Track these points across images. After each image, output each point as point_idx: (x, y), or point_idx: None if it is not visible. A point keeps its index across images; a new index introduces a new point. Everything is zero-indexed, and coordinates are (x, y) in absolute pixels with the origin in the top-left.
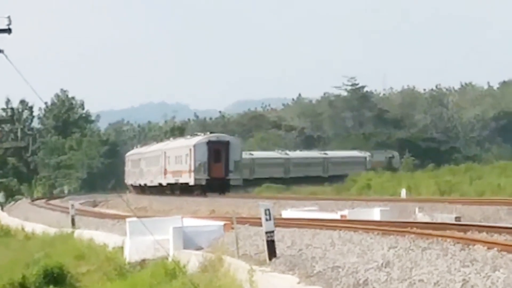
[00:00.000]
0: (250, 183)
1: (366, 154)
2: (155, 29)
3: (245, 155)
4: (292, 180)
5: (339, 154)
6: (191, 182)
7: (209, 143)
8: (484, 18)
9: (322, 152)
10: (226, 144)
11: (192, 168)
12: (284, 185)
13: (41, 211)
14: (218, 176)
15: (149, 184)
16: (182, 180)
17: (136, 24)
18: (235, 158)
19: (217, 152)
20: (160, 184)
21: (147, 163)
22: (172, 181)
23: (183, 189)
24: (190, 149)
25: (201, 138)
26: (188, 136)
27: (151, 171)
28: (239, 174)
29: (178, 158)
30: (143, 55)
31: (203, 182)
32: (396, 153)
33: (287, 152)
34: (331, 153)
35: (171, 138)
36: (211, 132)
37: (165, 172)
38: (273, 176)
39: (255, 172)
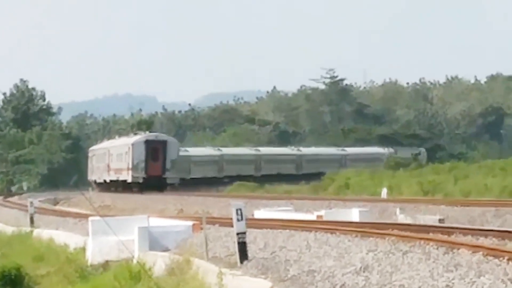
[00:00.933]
0: (220, 182)
1: (389, 150)
2: (118, 17)
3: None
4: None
5: (357, 151)
6: (129, 180)
7: (147, 142)
8: (471, 9)
9: (340, 148)
10: (164, 143)
11: (130, 166)
12: (258, 184)
13: None
14: (155, 174)
15: (98, 180)
16: (122, 177)
17: (99, 12)
18: (172, 157)
19: (154, 151)
20: (105, 181)
21: (97, 159)
22: (114, 178)
23: (124, 187)
24: (129, 148)
25: (140, 137)
26: (131, 135)
27: (99, 168)
28: (176, 172)
29: (119, 156)
30: (107, 44)
31: (141, 180)
32: (423, 150)
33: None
34: (349, 150)
35: (116, 136)
36: (150, 132)
37: (109, 169)
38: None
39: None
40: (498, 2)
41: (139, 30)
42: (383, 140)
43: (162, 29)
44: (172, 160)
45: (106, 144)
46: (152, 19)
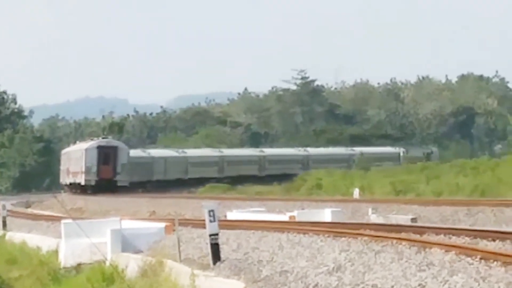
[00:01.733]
0: (186, 184)
1: (400, 149)
2: (88, 20)
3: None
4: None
5: (372, 150)
6: (83, 182)
7: (99, 147)
8: (441, 9)
9: (350, 148)
10: (115, 148)
11: (83, 170)
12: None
13: None
14: (106, 177)
15: (63, 183)
16: (77, 180)
17: (69, 14)
18: (122, 161)
19: (106, 155)
20: (66, 184)
21: (63, 163)
22: (72, 181)
23: (81, 189)
24: (83, 152)
25: (93, 142)
26: (89, 140)
27: (63, 171)
28: (125, 175)
29: (76, 160)
30: (78, 47)
31: (93, 183)
32: (435, 149)
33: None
34: (359, 149)
35: (77, 141)
36: (103, 138)
37: (68, 172)
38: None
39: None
40: (468, 3)
41: (110, 32)
42: (355, 141)
43: (133, 31)
44: (123, 164)
45: (68, 148)
46: (122, 22)
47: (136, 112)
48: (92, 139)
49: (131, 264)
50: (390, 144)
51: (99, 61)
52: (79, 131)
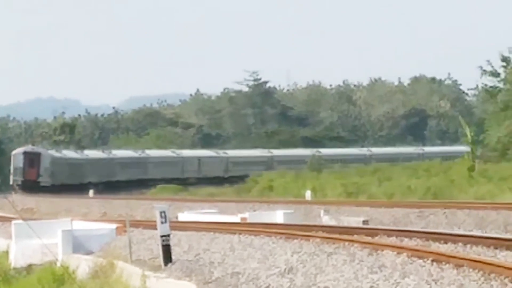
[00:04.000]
0: (143, 184)
1: (420, 149)
2: (39, 19)
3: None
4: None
5: (384, 151)
6: (11, 182)
7: (25, 153)
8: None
9: (366, 148)
10: (38, 154)
11: (12, 171)
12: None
13: None
14: (31, 178)
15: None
16: (11, 180)
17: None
18: (45, 165)
19: (31, 160)
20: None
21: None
22: (12, 182)
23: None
24: (12, 157)
25: (20, 149)
26: (26, 146)
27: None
28: (48, 177)
29: (13, 162)
30: (28, 47)
31: (19, 182)
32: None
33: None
34: (374, 150)
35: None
36: (33, 145)
37: (9, 173)
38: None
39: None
40: (422, 5)
41: (61, 32)
42: (307, 142)
43: (83, 31)
44: (45, 167)
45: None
46: (73, 21)
47: (88, 113)
48: (24, 146)
49: (82, 265)
50: (342, 145)
51: (50, 61)
52: (29, 132)
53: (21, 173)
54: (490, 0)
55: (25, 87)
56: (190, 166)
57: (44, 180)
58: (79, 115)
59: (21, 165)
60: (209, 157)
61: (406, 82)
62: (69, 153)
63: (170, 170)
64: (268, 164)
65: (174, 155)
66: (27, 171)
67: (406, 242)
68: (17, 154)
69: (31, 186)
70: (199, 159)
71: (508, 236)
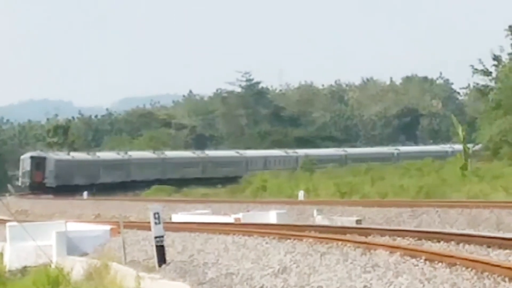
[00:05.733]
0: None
1: (448, 147)
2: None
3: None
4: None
5: (409, 149)
6: (20, 183)
7: (32, 157)
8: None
9: (394, 148)
10: (44, 158)
11: (20, 174)
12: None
13: None
14: (37, 180)
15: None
16: (19, 182)
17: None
18: (50, 168)
19: (37, 164)
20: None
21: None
22: (20, 183)
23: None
24: (21, 161)
25: (28, 154)
26: (33, 151)
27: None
28: (52, 179)
29: (21, 166)
30: (21, 48)
31: (27, 184)
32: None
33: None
34: (403, 149)
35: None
36: (41, 150)
37: (18, 176)
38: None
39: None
40: (413, 4)
41: (54, 34)
42: (300, 143)
43: (77, 33)
44: (50, 170)
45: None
46: (65, 23)
47: (81, 114)
48: (37, 150)
49: (77, 267)
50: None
51: (43, 63)
52: (23, 134)
53: (28, 175)
54: (481, 0)
55: (18, 89)
56: (255, 165)
57: (49, 182)
58: (73, 117)
59: (28, 168)
60: (277, 156)
61: (398, 81)
62: (76, 155)
63: (234, 170)
64: (341, 161)
65: (237, 155)
66: (34, 174)
67: (399, 241)
68: (25, 159)
69: (38, 187)
70: (266, 158)
71: (500, 234)
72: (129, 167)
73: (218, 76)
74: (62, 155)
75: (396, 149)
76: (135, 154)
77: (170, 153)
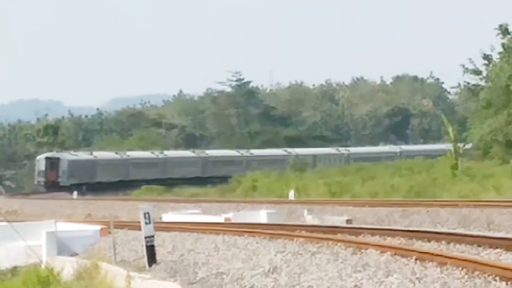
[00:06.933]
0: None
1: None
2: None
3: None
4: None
5: (413, 148)
6: (35, 182)
7: (47, 158)
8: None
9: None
10: (58, 159)
11: (37, 174)
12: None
13: None
14: (52, 179)
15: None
16: (36, 181)
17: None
18: (63, 168)
19: (52, 164)
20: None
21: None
22: (36, 182)
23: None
24: (37, 161)
25: (43, 155)
26: (49, 152)
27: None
28: (65, 178)
29: (37, 166)
30: (10, 48)
31: (42, 183)
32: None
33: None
34: (405, 147)
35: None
36: (56, 152)
37: (34, 175)
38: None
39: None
40: (403, 4)
41: (43, 33)
42: (290, 142)
43: (65, 32)
44: (63, 170)
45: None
46: (54, 23)
47: (71, 114)
48: (51, 151)
49: (67, 267)
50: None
51: (33, 63)
52: (13, 134)
53: (43, 175)
54: None
55: (8, 89)
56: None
57: (63, 181)
58: (63, 116)
59: (43, 168)
60: (326, 154)
61: (388, 81)
62: (84, 155)
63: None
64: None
65: (285, 153)
66: (49, 173)
67: (390, 240)
68: (40, 159)
69: (52, 186)
70: (315, 156)
71: (491, 234)
72: (165, 165)
73: (208, 75)
74: (82, 154)
75: (399, 147)
76: (170, 153)
77: (211, 152)
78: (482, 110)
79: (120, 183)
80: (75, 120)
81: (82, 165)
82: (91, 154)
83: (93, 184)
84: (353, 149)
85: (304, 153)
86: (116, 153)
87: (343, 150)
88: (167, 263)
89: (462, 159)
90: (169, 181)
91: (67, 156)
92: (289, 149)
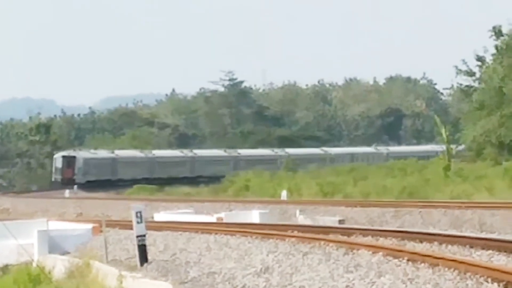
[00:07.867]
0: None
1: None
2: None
3: (108, 154)
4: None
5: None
6: (53, 179)
7: (64, 156)
8: (369, 10)
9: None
10: (74, 157)
11: (54, 171)
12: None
13: None
14: (68, 176)
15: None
16: (53, 178)
17: None
18: (79, 166)
19: (68, 162)
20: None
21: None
22: (53, 179)
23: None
24: (54, 159)
25: (60, 153)
26: (65, 151)
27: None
28: (81, 176)
29: (54, 164)
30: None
31: (59, 180)
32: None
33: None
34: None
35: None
36: (74, 150)
37: (51, 172)
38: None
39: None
40: (396, 4)
41: (35, 32)
42: (283, 142)
43: (59, 31)
44: (79, 168)
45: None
46: (49, 21)
47: (64, 113)
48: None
49: (58, 265)
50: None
51: (25, 61)
52: (5, 132)
53: (60, 172)
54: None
55: (0, 88)
56: (341, 162)
57: (79, 178)
58: (55, 115)
59: (60, 166)
60: (365, 152)
61: (381, 81)
62: (101, 153)
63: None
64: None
65: (322, 152)
66: (65, 171)
67: (382, 241)
68: (57, 158)
69: (68, 183)
70: (353, 155)
71: (483, 235)
72: (194, 164)
73: (201, 75)
74: (102, 152)
75: (441, 147)
76: (200, 152)
77: (242, 151)
78: (475, 111)
79: (143, 180)
80: (67, 119)
81: (98, 163)
82: (112, 152)
83: (113, 181)
84: (392, 148)
85: (341, 152)
86: (141, 151)
87: (382, 149)
88: (159, 262)
89: (455, 160)
90: (160, 180)
91: (83, 154)
92: (326, 148)
